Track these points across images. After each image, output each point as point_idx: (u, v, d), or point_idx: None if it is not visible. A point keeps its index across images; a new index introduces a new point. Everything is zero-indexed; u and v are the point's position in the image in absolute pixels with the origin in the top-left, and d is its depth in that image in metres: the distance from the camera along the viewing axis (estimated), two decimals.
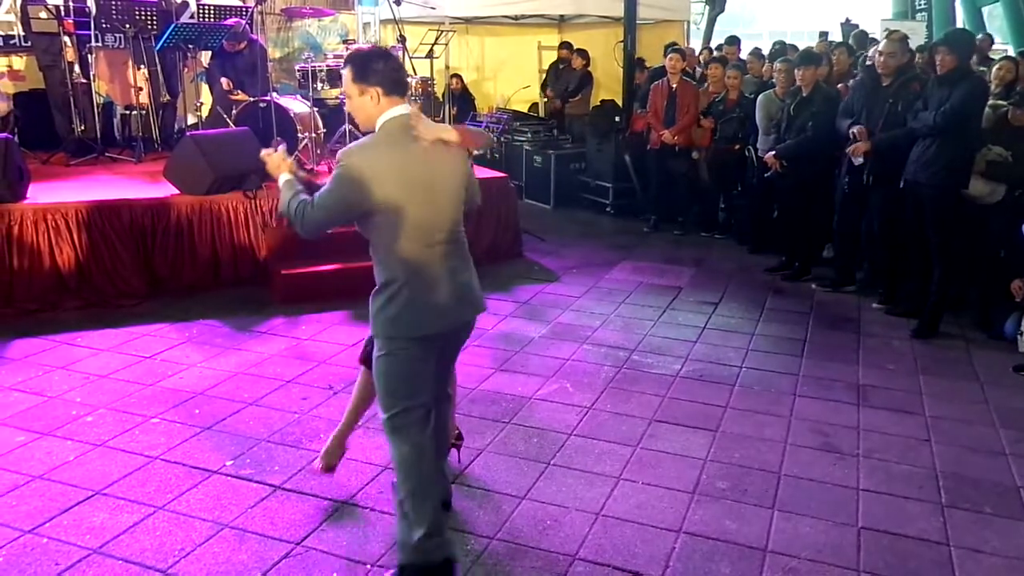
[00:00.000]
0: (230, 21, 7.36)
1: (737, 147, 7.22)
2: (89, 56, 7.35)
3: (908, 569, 2.89)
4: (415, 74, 7.79)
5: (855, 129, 5.39)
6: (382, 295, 2.58)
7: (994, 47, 9.88)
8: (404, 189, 2.50)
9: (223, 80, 7.31)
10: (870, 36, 8.98)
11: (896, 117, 5.27)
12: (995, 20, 17.22)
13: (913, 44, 7.09)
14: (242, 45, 7.16)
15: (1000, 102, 5.47)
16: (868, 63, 6.11)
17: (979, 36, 10.58)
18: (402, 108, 2.57)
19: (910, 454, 3.70)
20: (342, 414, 3.93)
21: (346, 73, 2.60)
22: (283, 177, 2.78)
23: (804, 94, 6.10)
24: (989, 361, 4.80)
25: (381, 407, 2.65)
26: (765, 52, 8.64)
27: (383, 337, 2.60)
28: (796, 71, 6.14)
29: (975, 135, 5.07)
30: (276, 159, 2.84)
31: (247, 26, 7.14)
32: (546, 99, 10.56)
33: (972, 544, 3.04)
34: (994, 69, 6.18)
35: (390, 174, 2.49)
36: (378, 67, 2.54)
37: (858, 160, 5.45)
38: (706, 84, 7.83)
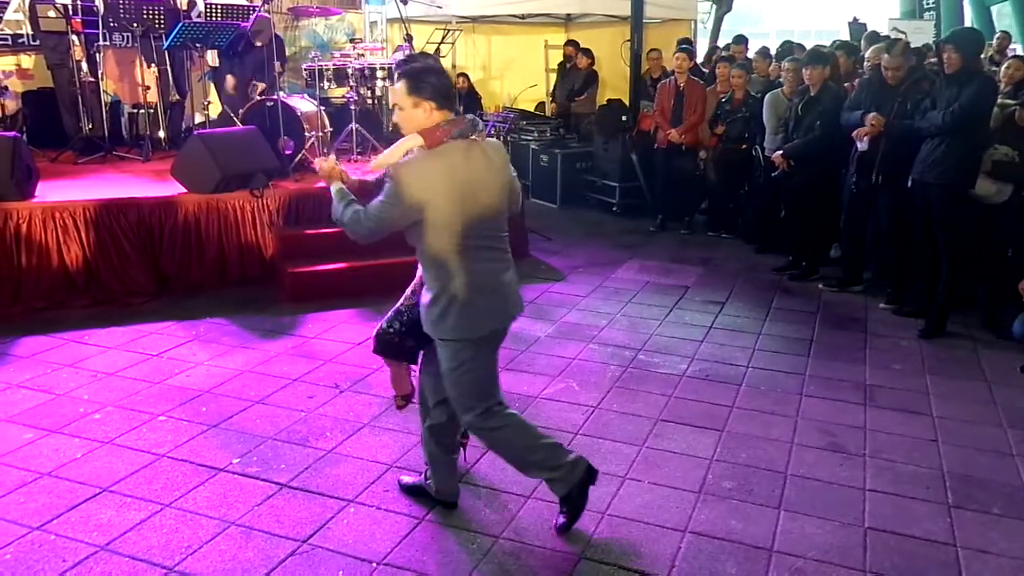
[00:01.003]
0: (251, 18, 7.38)
1: (744, 147, 7.20)
2: (97, 55, 7.37)
3: (915, 570, 2.88)
4: None
5: (870, 116, 5.34)
6: (438, 304, 2.73)
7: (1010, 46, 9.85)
8: (455, 198, 2.64)
9: (228, 76, 7.30)
10: (881, 36, 8.94)
11: (906, 115, 5.25)
12: (1004, 19, 17.14)
13: (920, 43, 7.08)
14: (264, 42, 7.15)
15: (1008, 101, 5.44)
16: (868, 63, 6.09)
17: (997, 34, 10.55)
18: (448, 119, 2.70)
19: (917, 454, 3.68)
20: (348, 413, 3.97)
21: (401, 85, 2.66)
22: (335, 186, 2.88)
23: (812, 93, 6.08)
24: (997, 361, 4.78)
25: (460, 406, 2.85)
26: (772, 51, 8.60)
27: (449, 343, 2.77)
28: (804, 70, 6.12)
29: (983, 135, 5.05)
30: (328, 166, 2.93)
31: (266, 16, 7.09)
32: (554, 103, 10.55)
33: (979, 545, 3.03)
34: (1003, 68, 6.15)
35: (442, 184, 2.62)
36: (432, 81, 2.64)
37: (863, 145, 5.40)
38: (715, 83, 7.81)
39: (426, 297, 2.78)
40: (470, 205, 2.67)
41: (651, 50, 9.14)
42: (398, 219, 2.67)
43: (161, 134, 7.62)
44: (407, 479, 3.31)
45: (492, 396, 2.90)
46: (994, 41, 10.10)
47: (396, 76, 2.70)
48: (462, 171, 2.66)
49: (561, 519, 3.05)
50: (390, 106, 2.81)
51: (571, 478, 2.98)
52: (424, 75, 2.64)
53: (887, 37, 7.24)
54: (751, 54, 8.60)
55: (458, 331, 2.75)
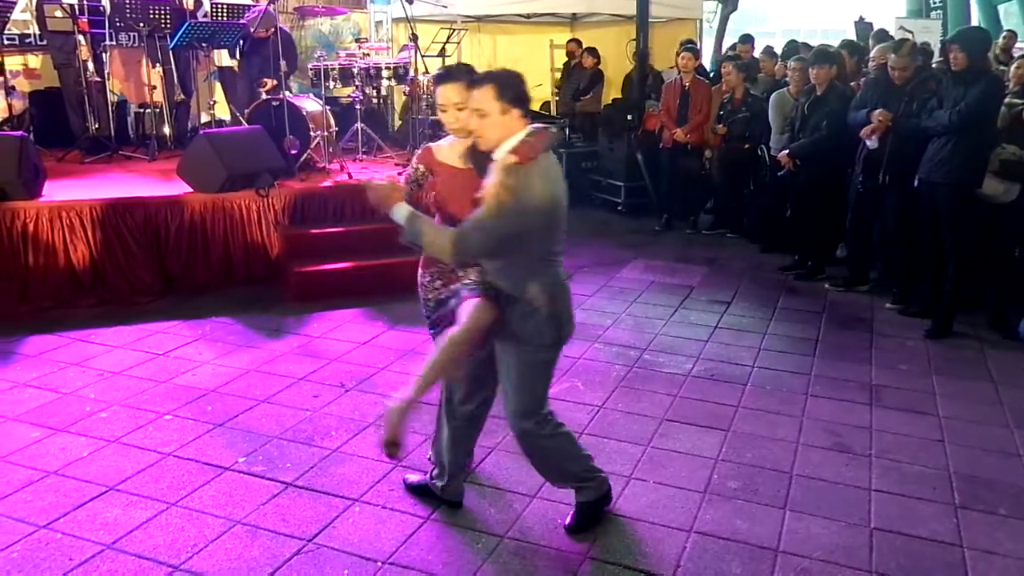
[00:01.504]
0: (252, 11, 7.38)
1: (747, 146, 7.20)
2: (103, 55, 7.40)
3: (921, 570, 2.87)
4: (427, 72, 7.80)
5: (877, 113, 5.33)
6: (530, 311, 2.74)
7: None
8: (561, 207, 2.71)
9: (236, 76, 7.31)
10: (888, 35, 8.91)
11: (912, 115, 5.23)
12: (1011, 18, 17.08)
13: (928, 41, 7.05)
14: (269, 31, 7.14)
15: (1016, 100, 5.42)
16: (873, 63, 6.07)
17: (1004, 33, 10.50)
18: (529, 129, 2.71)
19: (923, 455, 3.67)
20: (353, 412, 3.97)
21: (489, 90, 2.62)
22: (402, 211, 2.70)
23: (818, 93, 6.07)
24: (1004, 361, 4.76)
25: (523, 412, 2.87)
26: (778, 51, 8.59)
27: (535, 348, 2.79)
28: (810, 70, 6.11)
29: (990, 134, 5.04)
30: (386, 190, 2.73)
31: (271, 11, 7.10)
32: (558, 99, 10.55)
33: (985, 546, 3.02)
34: (1012, 68, 6.12)
35: (554, 193, 2.67)
36: (522, 89, 2.67)
37: (873, 143, 5.39)
38: (720, 83, 7.80)
39: (512, 304, 2.75)
40: (564, 214, 2.75)
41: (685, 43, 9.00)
42: (519, 229, 2.62)
43: (167, 130, 7.63)
44: (413, 478, 3.32)
45: (547, 403, 2.96)
46: (1000, 40, 10.06)
47: (475, 80, 2.67)
48: (559, 179, 2.72)
49: (572, 520, 3.05)
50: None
51: (600, 488, 3.10)
52: (511, 81, 2.65)
53: (893, 36, 7.23)
54: (757, 53, 8.59)
55: (549, 336, 2.79)
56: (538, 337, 2.78)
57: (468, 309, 2.72)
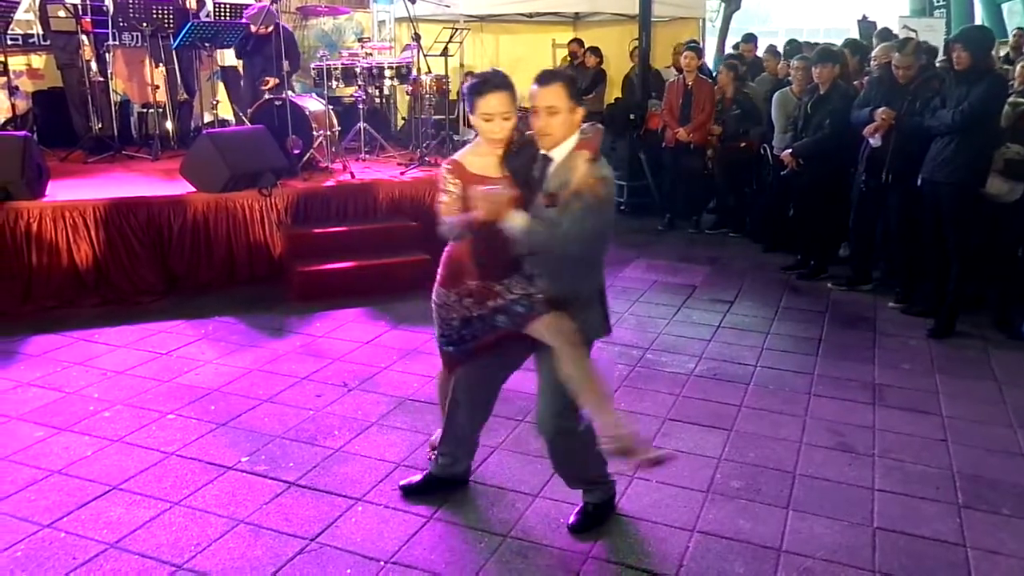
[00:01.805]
0: (252, 9, 7.39)
1: (743, 144, 7.24)
2: (106, 55, 7.41)
3: (924, 570, 2.87)
4: (430, 72, 7.80)
5: (881, 111, 5.32)
6: (594, 306, 2.87)
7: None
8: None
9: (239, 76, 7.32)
10: (892, 34, 8.90)
11: (916, 114, 5.23)
12: (1015, 17, 17.04)
13: (927, 40, 7.03)
14: (269, 28, 7.15)
15: (1020, 100, 5.41)
16: (876, 61, 6.06)
17: (1013, 31, 10.47)
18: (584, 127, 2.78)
19: (926, 454, 3.67)
20: (356, 411, 3.97)
21: (560, 88, 2.68)
22: (520, 220, 2.63)
23: (821, 92, 6.06)
24: (1007, 361, 4.75)
25: (563, 411, 2.87)
26: (781, 50, 8.58)
27: (590, 341, 2.87)
28: (813, 69, 6.10)
29: (994, 133, 5.02)
30: (500, 200, 2.61)
31: (273, 9, 7.11)
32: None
33: (989, 546, 3.01)
34: (1018, 67, 6.11)
35: (613, 186, 2.77)
36: (578, 88, 2.76)
37: (876, 141, 5.38)
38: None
39: (570, 304, 2.78)
40: None
41: (679, 45, 9.03)
42: (607, 227, 2.76)
43: (169, 125, 7.63)
44: (408, 480, 3.28)
45: None
46: (1010, 38, 10.04)
47: (544, 79, 2.69)
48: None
49: (577, 520, 3.06)
50: (536, 109, 2.70)
51: (608, 492, 3.13)
52: (574, 79, 2.75)
53: (897, 35, 7.23)
54: (760, 52, 8.58)
55: (605, 329, 2.94)
56: (594, 332, 2.90)
57: (549, 327, 2.76)
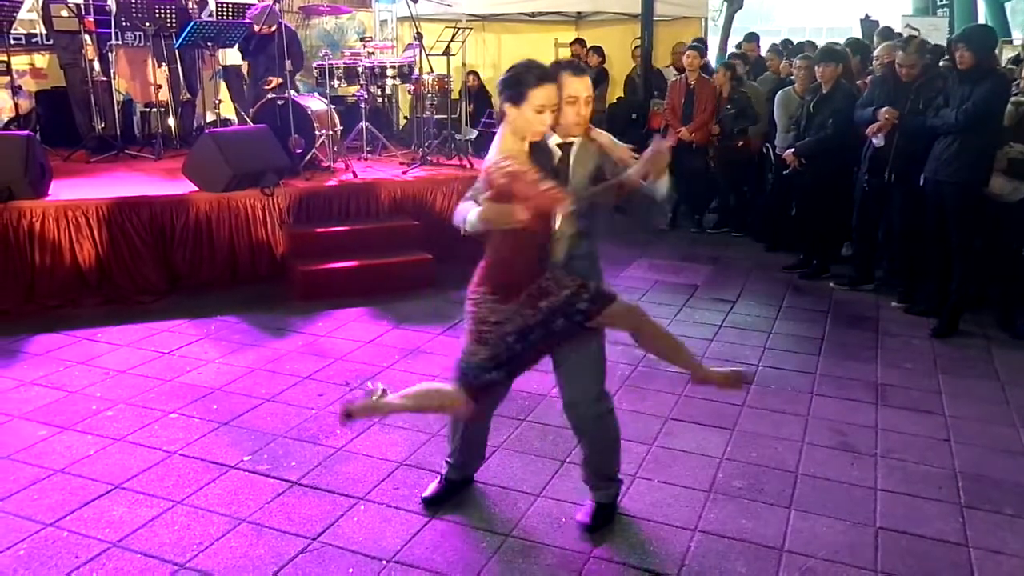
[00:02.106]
0: (255, 8, 7.39)
1: (740, 143, 7.24)
2: (109, 54, 7.41)
3: (926, 570, 2.86)
4: (432, 71, 7.80)
5: (884, 111, 5.32)
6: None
7: (1016, 43, 9.75)
8: None
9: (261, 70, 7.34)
10: (895, 33, 8.89)
11: (919, 113, 5.22)
12: (1018, 16, 17.00)
13: (935, 40, 7.03)
14: (272, 28, 7.15)
15: (1023, 99, 5.40)
16: (879, 61, 6.05)
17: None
18: None
19: (929, 454, 3.66)
20: None
21: (589, 77, 2.74)
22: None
23: (824, 91, 6.05)
24: (1010, 360, 4.75)
25: (601, 394, 2.97)
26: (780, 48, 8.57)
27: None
28: (816, 68, 6.09)
29: (997, 133, 5.02)
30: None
31: (275, 9, 7.11)
32: None
33: (992, 545, 3.01)
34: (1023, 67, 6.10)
35: None
36: None
37: (879, 141, 5.38)
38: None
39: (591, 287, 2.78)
40: None
41: (679, 44, 9.04)
42: None
43: (171, 122, 7.63)
44: (430, 492, 3.23)
45: None
46: (1013, 38, 10.01)
47: (578, 69, 2.72)
48: None
49: (590, 518, 3.06)
50: (575, 98, 2.68)
51: (618, 489, 3.16)
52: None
53: (900, 34, 7.22)
54: (764, 51, 8.58)
55: None
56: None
57: (625, 314, 2.80)
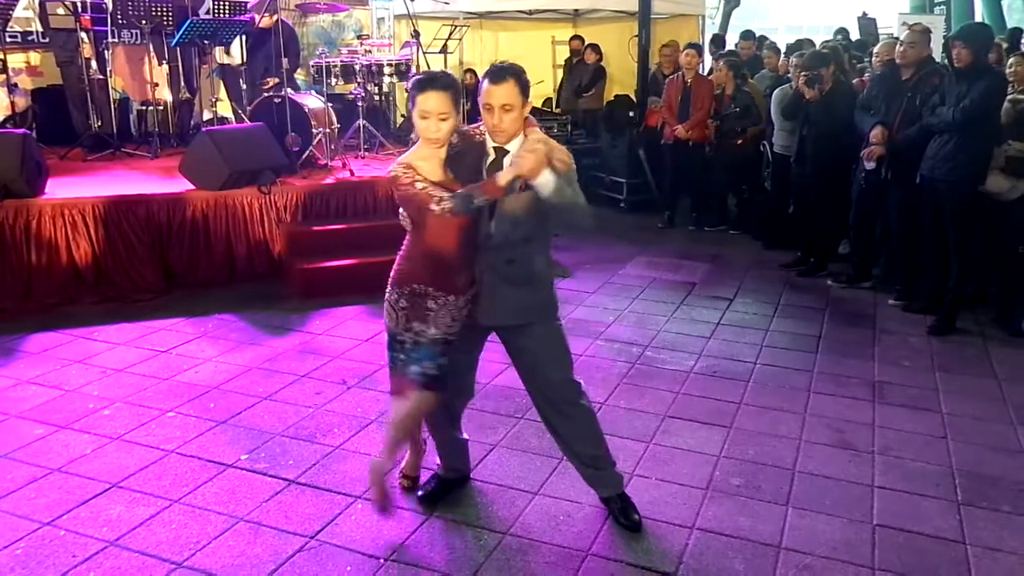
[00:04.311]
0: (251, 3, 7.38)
1: (740, 141, 7.23)
2: (106, 52, 7.40)
3: (924, 567, 2.87)
4: (429, 69, 7.78)
5: (875, 132, 5.34)
6: (553, 289, 2.97)
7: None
8: None
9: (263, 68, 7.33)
10: (880, 29, 8.90)
11: (915, 111, 5.23)
12: (1015, 13, 17.02)
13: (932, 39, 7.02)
14: (273, 17, 7.12)
15: (1020, 96, 5.40)
16: (876, 59, 6.06)
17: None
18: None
19: (926, 451, 3.67)
20: (355, 409, 3.97)
21: (513, 85, 2.67)
22: (552, 178, 2.63)
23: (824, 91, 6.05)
24: (1007, 358, 4.75)
25: (573, 387, 3.00)
26: (781, 46, 8.57)
27: (555, 315, 2.97)
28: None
29: (994, 131, 5.02)
30: (541, 155, 2.59)
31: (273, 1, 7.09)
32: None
33: (989, 543, 3.01)
34: (1014, 66, 6.08)
35: None
36: (527, 80, 2.77)
37: (870, 164, 5.45)
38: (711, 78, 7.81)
39: (542, 286, 2.90)
40: None
41: (663, 45, 9.08)
42: None
43: (170, 118, 7.61)
44: (424, 489, 3.25)
45: None
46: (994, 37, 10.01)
47: (497, 76, 2.65)
48: None
49: (625, 515, 3.07)
50: (490, 106, 2.68)
51: (620, 479, 3.17)
52: (524, 73, 2.70)
53: (890, 34, 7.23)
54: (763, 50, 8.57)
55: (558, 307, 2.99)
56: (555, 308, 2.96)
57: (414, 395, 2.84)
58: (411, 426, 3.00)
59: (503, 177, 2.59)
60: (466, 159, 2.76)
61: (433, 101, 2.66)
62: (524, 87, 2.68)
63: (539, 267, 2.87)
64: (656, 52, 9.06)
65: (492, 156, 2.75)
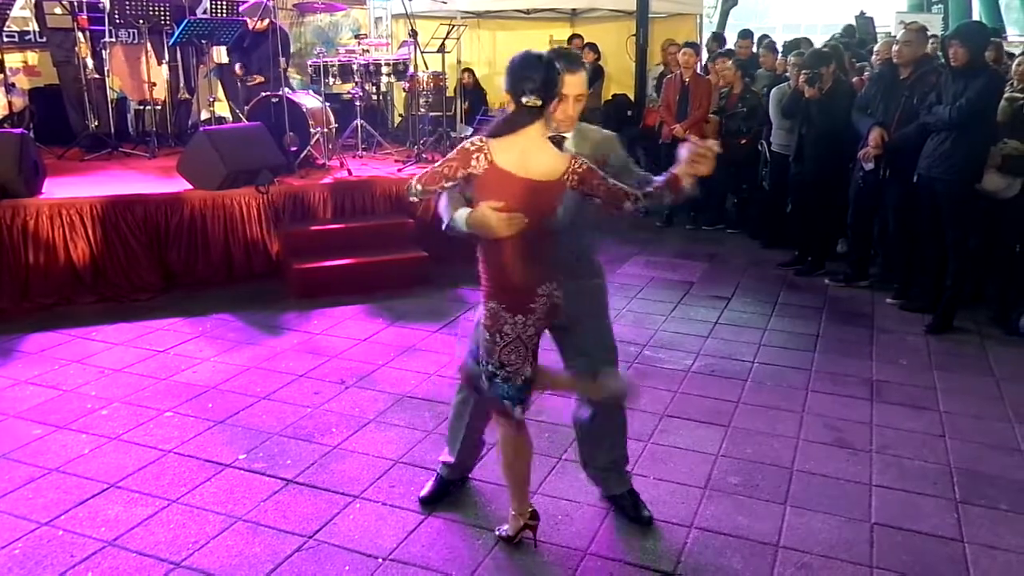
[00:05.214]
0: (247, 3, 7.37)
1: (744, 141, 7.22)
2: (103, 52, 7.39)
3: (922, 566, 2.87)
4: (427, 69, 7.79)
5: (872, 133, 5.35)
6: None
7: (1010, 39, 9.76)
8: None
9: (237, 64, 7.29)
10: (878, 28, 8.90)
11: (912, 110, 5.23)
12: (1012, 12, 17.04)
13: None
14: (265, 23, 7.12)
15: (1017, 95, 5.41)
16: (876, 57, 6.07)
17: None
18: None
19: (924, 450, 3.67)
20: (353, 408, 3.96)
21: (584, 75, 2.68)
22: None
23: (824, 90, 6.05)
24: (1005, 357, 4.76)
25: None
26: (779, 45, 8.57)
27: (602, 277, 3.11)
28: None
29: (990, 129, 5.02)
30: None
31: (268, 4, 7.08)
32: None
33: (987, 541, 3.02)
34: (1014, 65, 6.09)
35: None
36: None
37: (869, 165, 5.45)
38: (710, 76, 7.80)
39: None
40: None
41: (670, 44, 9.04)
42: None
43: (168, 118, 7.61)
44: (425, 492, 3.23)
45: None
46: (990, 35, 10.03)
47: (575, 65, 2.63)
48: None
49: (640, 511, 3.08)
50: (566, 96, 2.60)
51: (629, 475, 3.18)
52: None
53: (888, 34, 7.24)
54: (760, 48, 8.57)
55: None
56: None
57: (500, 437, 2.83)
58: (523, 458, 2.84)
59: (686, 179, 2.62)
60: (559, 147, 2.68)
61: (580, 82, 2.60)
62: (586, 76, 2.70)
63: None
64: (657, 52, 9.06)
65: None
